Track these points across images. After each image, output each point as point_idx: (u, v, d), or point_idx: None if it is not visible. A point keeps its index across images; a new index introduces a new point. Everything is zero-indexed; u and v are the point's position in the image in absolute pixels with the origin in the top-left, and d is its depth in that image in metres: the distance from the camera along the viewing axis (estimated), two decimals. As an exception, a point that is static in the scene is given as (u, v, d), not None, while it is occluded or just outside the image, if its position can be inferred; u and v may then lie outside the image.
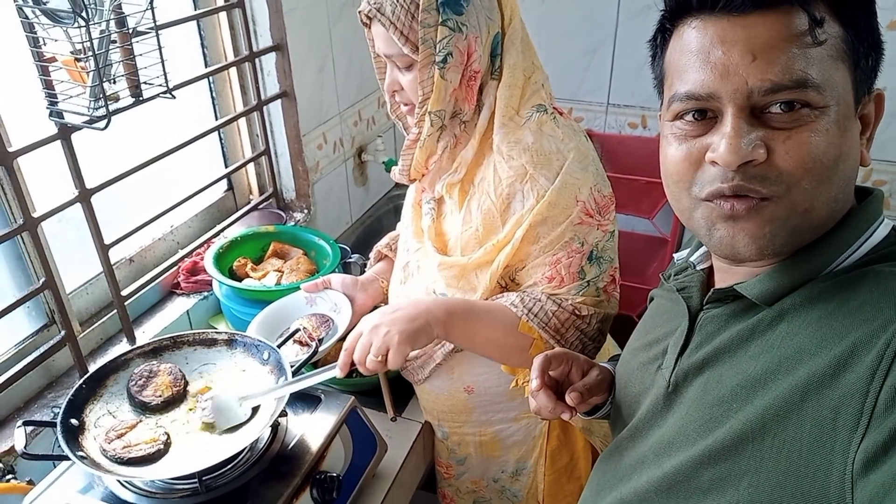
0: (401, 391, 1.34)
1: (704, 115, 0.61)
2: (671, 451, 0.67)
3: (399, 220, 2.23)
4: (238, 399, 0.99)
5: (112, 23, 1.03)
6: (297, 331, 1.20)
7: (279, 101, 1.67)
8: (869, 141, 0.63)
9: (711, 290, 0.69)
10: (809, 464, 0.54)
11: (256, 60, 1.59)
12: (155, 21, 1.08)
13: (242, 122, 1.69)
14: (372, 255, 1.40)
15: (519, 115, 1.01)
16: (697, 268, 0.76)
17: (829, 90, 0.56)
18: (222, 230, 1.59)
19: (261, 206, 1.74)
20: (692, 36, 0.61)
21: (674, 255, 0.84)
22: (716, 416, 0.62)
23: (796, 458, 0.55)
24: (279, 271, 1.49)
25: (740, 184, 0.58)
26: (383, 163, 2.03)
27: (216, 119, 1.63)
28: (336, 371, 0.98)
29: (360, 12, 1.02)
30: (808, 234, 0.61)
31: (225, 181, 1.71)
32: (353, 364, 0.98)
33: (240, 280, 1.45)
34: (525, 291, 1.04)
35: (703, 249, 0.77)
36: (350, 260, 1.66)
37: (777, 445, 0.56)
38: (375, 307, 1.36)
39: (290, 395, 0.99)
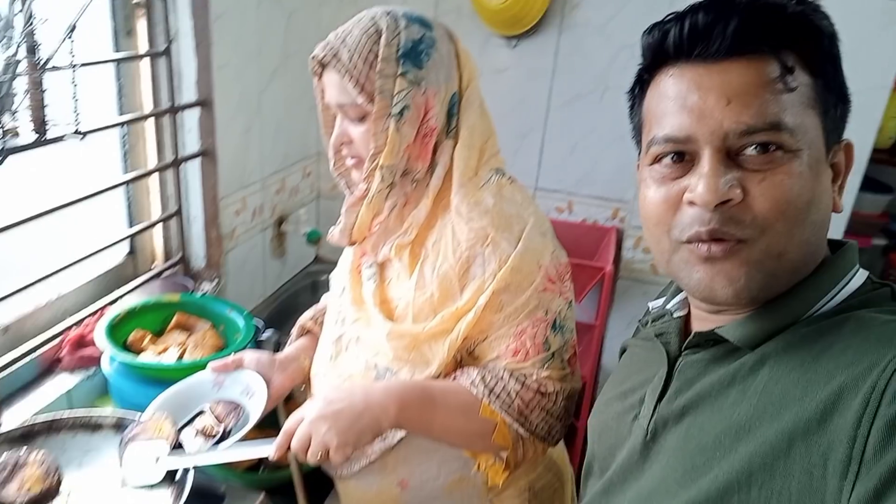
0: (318, 484, 1.18)
1: (682, 157, 0.63)
2: (651, 503, 0.64)
3: (321, 295, 2.13)
4: (155, 457, 0.88)
5: (22, 50, 0.90)
6: (198, 414, 1.05)
7: (198, 159, 1.55)
8: (841, 189, 0.65)
9: (694, 333, 0.69)
10: None
11: (177, 115, 1.48)
12: (73, 55, 0.96)
13: (154, 179, 1.55)
14: (294, 329, 1.27)
15: (478, 177, 0.97)
16: (674, 315, 0.75)
17: (801, 134, 0.59)
18: (118, 299, 1.41)
19: (165, 275, 1.57)
20: (669, 83, 0.63)
21: (649, 303, 0.83)
22: (698, 465, 0.60)
23: None
24: (181, 346, 1.32)
25: (716, 227, 0.59)
26: (305, 234, 1.92)
27: (125, 173, 1.48)
28: (271, 450, 0.87)
29: (313, 58, 0.96)
30: (784, 278, 0.62)
31: (127, 244, 1.54)
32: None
33: (135, 355, 1.26)
34: (486, 367, 0.96)
35: (679, 297, 0.77)
36: (262, 337, 1.51)
37: (765, 495, 0.54)
38: (290, 395, 1.22)
39: (189, 491, 0.85)
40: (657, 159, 0.65)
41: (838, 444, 0.51)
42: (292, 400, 1.29)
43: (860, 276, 0.64)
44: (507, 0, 1.64)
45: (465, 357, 0.99)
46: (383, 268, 1.05)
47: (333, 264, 2.13)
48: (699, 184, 0.59)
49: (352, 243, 1.05)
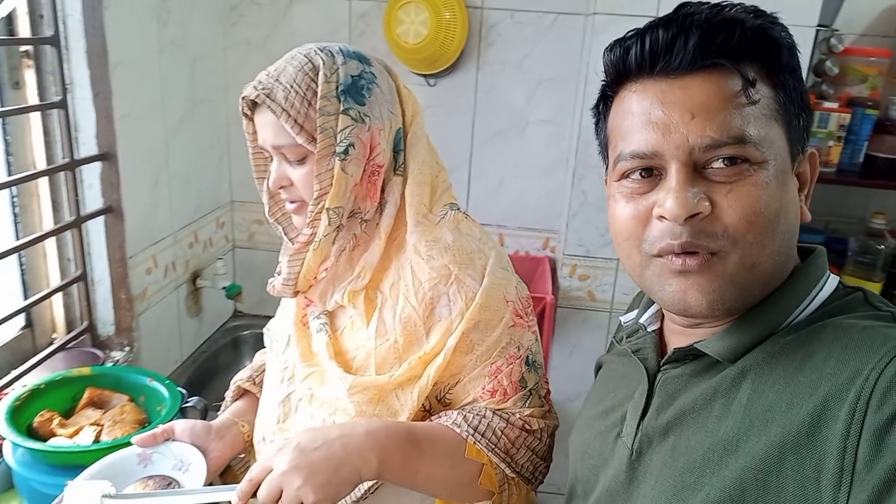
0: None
1: (650, 173, 0.63)
2: None
3: (244, 352, 1.99)
4: (101, 496, 0.80)
5: None
6: (128, 499, 0.92)
7: (102, 217, 1.42)
8: (807, 198, 0.66)
9: (673, 349, 0.68)
10: None
11: (76, 170, 1.35)
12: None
13: (51, 242, 1.40)
14: (229, 392, 1.15)
15: (433, 213, 0.93)
16: (648, 329, 0.75)
17: (766, 146, 0.59)
18: (16, 379, 1.25)
19: (70, 346, 1.41)
20: (633, 99, 0.64)
21: (620, 318, 0.82)
22: (688, 483, 0.59)
23: None
24: (97, 425, 1.17)
25: (689, 240, 0.59)
26: (224, 289, 1.80)
27: (17, 238, 1.33)
28: (233, 497, 0.77)
29: (243, 98, 0.89)
30: (757, 289, 0.62)
31: (22, 316, 1.37)
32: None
33: (43, 441, 1.11)
34: (467, 407, 0.90)
35: (651, 311, 0.76)
36: (187, 404, 1.38)
37: None
38: (227, 466, 1.10)
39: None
40: (625, 175, 0.65)
41: (829, 457, 0.51)
42: (229, 471, 1.17)
43: (832, 282, 0.65)
44: (424, 39, 1.64)
45: (434, 405, 0.93)
46: (333, 317, 0.98)
47: (255, 318, 2.03)
48: (668, 198, 0.59)
49: (296, 294, 0.98)
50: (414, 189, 0.92)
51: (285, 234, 1.01)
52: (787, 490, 0.52)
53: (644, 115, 0.62)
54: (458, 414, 0.89)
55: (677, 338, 0.71)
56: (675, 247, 0.60)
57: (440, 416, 0.90)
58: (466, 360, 0.89)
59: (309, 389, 0.94)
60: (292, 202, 0.93)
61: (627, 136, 0.64)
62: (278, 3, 1.82)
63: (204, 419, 1.28)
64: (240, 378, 1.13)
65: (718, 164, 0.59)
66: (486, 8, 1.72)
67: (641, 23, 0.64)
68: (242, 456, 1.09)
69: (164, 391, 1.25)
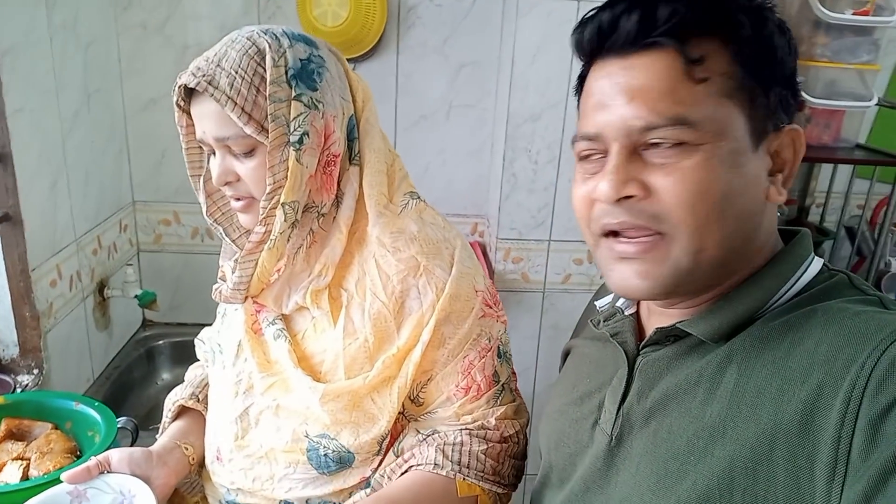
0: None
1: (604, 154, 0.62)
2: None
3: (160, 364, 1.84)
4: None
5: None
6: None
7: (-3, 227, 1.26)
8: (787, 178, 0.62)
9: (654, 329, 0.65)
10: None
11: (-36, 175, 1.19)
12: None
13: (-64, 259, 1.23)
14: (168, 412, 1.04)
15: (394, 203, 0.89)
16: (625, 312, 0.74)
17: (708, 127, 0.56)
18: None
19: (-33, 373, 1.25)
20: (591, 80, 0.63)
21: (595, 302, 0.81)
22: (672, 470, 0.57)
23: None
24: (22, 459, 1.05)
25: (626, 220, 0.59)
26: (136, 297, 1.66)
27: None
28: None
29: (179, 87, 0.81)
30: (710, 272, 0.60)
31: None
32: None
33: (-42, 484, 0.98)
34: (439, 435, 0.87)
35: None
36: (117, 425, 1.26)
37: (749, 500, 0.52)
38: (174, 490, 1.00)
39: None
40: (582, 157, 0.65)
41: (823, 446, 0.49)
42: (176, 493, 1.08)
43: (816, 264, 0.63)
44: (344, 22, 1.58)
45: (408, 406, 0.90)
46: (289, 321, 0.92)
47: (167, 326, 1.90)
48: (602, 180, 0.59)
49: (245, 299, 0.91)
50: (372, 179, 0.87)
51: (227, 236, 0.93)
52: (778, 478, 0.51)
53: (596, 95, 0.61)
54: (435, 451, 0.85)
55: (657, 318, 0.69)
56: (613, 225, 0.60)
57: (414, 456, 0.86)
58: (438, 354, 0.86)
59: (273, 400, 0.88)
60: (238, 199, 0.85)
61: (583, 117, 0.63)
62: (173, -18, 1.68)
63: (135, 439, 1.18)
64: (180, 396, 1.03)
65: (656, 147, 0.58)
66: (404, -10, 1.68)
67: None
68: (189, 480, 1.01)
69: (95, 414, 1.13)
